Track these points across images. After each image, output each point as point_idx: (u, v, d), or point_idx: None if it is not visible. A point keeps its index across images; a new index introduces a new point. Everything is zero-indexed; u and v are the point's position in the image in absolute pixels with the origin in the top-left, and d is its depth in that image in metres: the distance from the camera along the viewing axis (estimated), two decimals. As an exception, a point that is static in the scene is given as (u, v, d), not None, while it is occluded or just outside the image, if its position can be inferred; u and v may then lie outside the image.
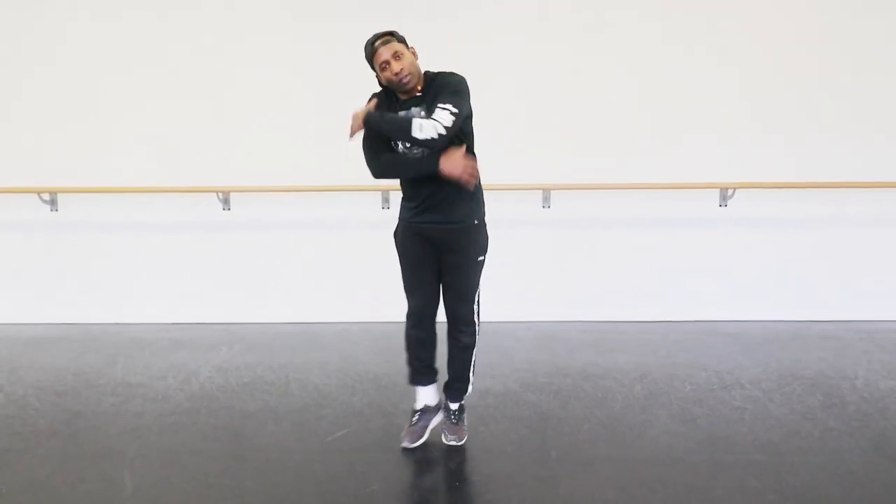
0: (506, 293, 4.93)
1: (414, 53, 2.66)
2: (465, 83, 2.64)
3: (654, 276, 4.94)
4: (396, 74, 2.55)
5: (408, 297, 2.88)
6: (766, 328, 4.73)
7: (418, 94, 2.64)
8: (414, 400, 3.04)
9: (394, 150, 2.69)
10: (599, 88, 4.77)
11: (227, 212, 4.89)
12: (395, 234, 2.87)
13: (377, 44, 2.58)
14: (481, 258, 2.83)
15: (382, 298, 4.57)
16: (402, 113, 2.63)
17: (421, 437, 2.94)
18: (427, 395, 3.00)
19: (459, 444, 2.93)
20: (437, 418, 3.02)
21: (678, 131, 4.78)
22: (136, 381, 3.78)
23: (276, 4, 4.73)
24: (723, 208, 4.84)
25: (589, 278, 4.96)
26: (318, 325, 4.89)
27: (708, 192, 4.82)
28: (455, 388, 3.00)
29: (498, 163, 4.65)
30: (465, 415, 3.05)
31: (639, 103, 4.77)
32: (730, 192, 4.79)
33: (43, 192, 4.80)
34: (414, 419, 2.98)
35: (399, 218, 2.85)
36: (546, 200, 4.83)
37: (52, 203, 4.87)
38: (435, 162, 2.57)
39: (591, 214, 4.89)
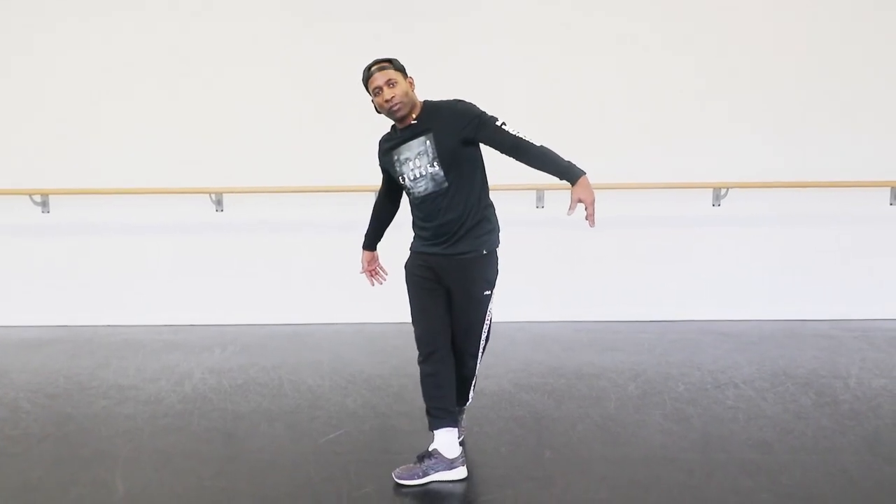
0: (502, 293, 4.91)
1: (411, 83, 2.62)
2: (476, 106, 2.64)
3: (648, 276, 4.95)
4: (387, 101, 2.53)
5: (415, 325, 2.73)
6: (760, 327, 4.74)
7: (413, 122, 2.59)
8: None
9: (399, 183, 2.72)
10: (593, 89, 4.78)
11: (219, 213, 4.87)
12: (406, 264, 2.79)
13: (374, 69, 2.56)
14: (487, 293, 2.70)
15: (375, 299, 4.55)
16: (408, 145, 2.60)
17: (416, 476, 2.62)
18: (438, 441, 2.67)
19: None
20: (447, 475, 2.64)
21: (672, 131, 4.79)
22: (128, 383, 3.76)
23: (268, 6, 4.72)
24: (716, 208, 4.85)
25: (583, 278, 4.96)
26: (311, 326, 4.88)
27: (701, 192, 4.84)
28: (458, 398, 2.89)
29: (491, 162, 4.65)
30: (464, 416, 3.02)
31: (632, 104, 4.78)
32: (723, 191, 4.80)
33: (34, 193, 4.78)
34: (415, 460, 2.69)
35: (410, 247, 2.79)
36: (540, 200, 4.84)
37: (44, 205, 4.84)
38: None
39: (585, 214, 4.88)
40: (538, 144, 2.55)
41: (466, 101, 2.65)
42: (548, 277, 4.97)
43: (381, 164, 2.78)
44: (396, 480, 2.61)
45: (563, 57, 4.76)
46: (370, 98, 2.62)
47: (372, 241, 2.98)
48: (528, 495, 2.53)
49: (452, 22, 4.72)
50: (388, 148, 2.68)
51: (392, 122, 2.67)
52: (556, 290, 4.98)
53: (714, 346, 4.32)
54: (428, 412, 2.71)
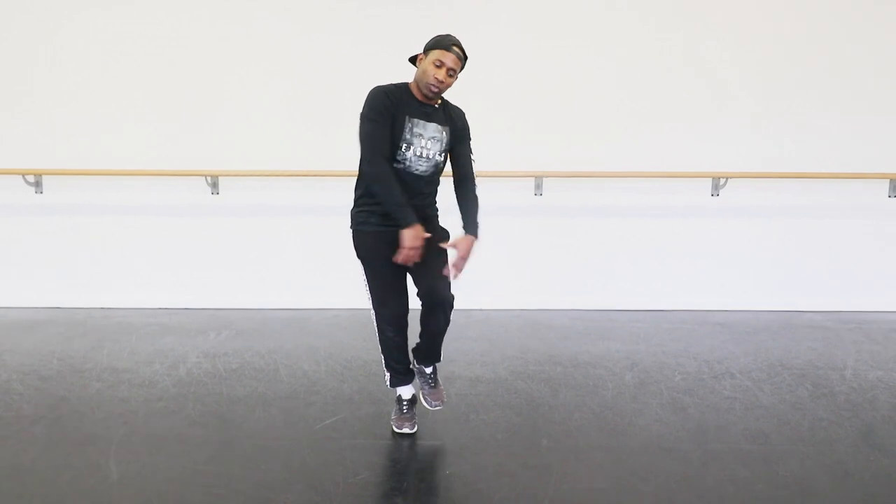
0: (497, 281, 4.91)
1: (455, 80, 2.71)
2: None
3: (645, 265, 4.94)
4: (439, 82, 2.60)
5: (386, 306, 2.82)
6: (757, 318, 4.74)
7: (436, 106, 2.73)
8: (395, 392, 3.06)
9: (395, 157, 2.64)
10: (592, 78, 4.75)
11: (215, 196, 4.83)
12: (361, 246, 2.77)
13: (454, 48, 2.62)
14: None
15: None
16: (425, 124, 2.67)
17: (415, 422, 2.97)
18: (411, 389, 3.04)
19: (443, 406, 3.00)
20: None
21: (671, 120, 4.77)
22: (122, 366, 3.73)
23: (266, -14, 4.66)
24: (715, 198, 4.84)
25: (580, 266, 4.95)
26: (307, 311, 4.86)
27: (700, 182, 4.82)
28: (432, 358, 2.96)
29: (490, 150, 4.62)
30: (439, 375, 3.13)
31: (632, 93, 4.75)
32: (722, 181, 4.78)
33: (28, 173, 4.73)
34: (405, 408, 2.99)
35: (360, 229, 2.75)
36: (538, 188, 4.81)
37: (37, 185, 4.79)
38: (405, 220, 2.58)
39: (583, 202, 4.87)
40: (476, 192, 2.82)
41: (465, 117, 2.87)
42: (544, 265, 4.95)
43: (382, 111, 2.59)
44: (411, 432, 2.90)
45: (562, 46, 4.72)
46: (417, 56, 2.69)
47: (412, 211, 2.62)
48: (525, 484, 2.52)
49: (447, 11, 4.67)
50: (407, 109, 2.64)
51: (395, 83, 2.70)
52: (553, 278, 4.97)
53: (710, 337, 4.32)
54: (398, 372, 2.95)
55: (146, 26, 4.67)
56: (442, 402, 2.99)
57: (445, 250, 2.79)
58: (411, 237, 2.56)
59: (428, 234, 2.65)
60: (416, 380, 3.02)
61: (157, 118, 4.74)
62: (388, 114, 2.61)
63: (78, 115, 4.73)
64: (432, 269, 2.72)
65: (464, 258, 2.69)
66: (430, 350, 2.93)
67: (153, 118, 4.74)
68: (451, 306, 2.77)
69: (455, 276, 2.70)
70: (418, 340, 2.93)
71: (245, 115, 4.74)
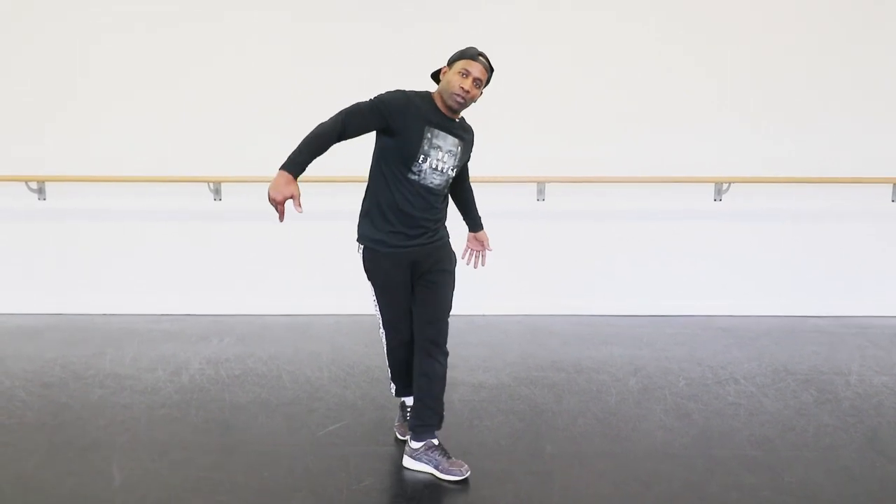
0: (499, 286, 4.90)
1: (479, 95, 2.63)
2: None
3: (647, 270, 4.93)
4: (465, 91, 2.52)
5: (398, 331, 2.74)
6: (760, 323, 4.73)
7: (457, 120, 2.67)
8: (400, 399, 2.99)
9: (411, 169, 2.58)
10: (595, 83, 4.75)
11: (218, 202, 4.83)
12: (376, 269, 2.68)
13: (480, 58, 2.58)
14: (455, 269, 2.80)
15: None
16: (445, 136, 2.60)
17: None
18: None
19: (469, 472, 2.64)
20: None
21: (673, 126, 4.76)
22: (124, 372, 3.73)
23: (266, 0, 4.68)
24: (717, 203, 4.84)
25: (583, 271, 4.94)
26: (309, 316, 4.85)
27: (703, 187, 4.82)
28: (435, 418, 2.72)
29: (493, 155, 4.62)
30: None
31: (634, 98, 4.75)
32: (724, 186, 4.78)
33: (31, 180, 4.73)
34: (408, 415, 2.87)
35: (376, 248, 2.65)
36: (541, 193, 4.81)
37: (40, 191, 4.80)
38: (290, 163, 2.68)
39: (586, 208, 4.87)
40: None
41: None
42: (547, 270, 4.95)
43: (390, 113, 2.52)
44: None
45: (558, 52, 4.73)
46: (440, 69, 2.64)
47: (302, 170, 2.63)
48: (529, 490, 2.52)
49: (451, 21, 4.68)
50: (427, 119, 2.55)
51: (419, 91, 2.63)
52: (555, 283, 4.96)
53: (713, 342, 4.31)
54: (406, 385, 2.85)
55: (148, 32, 4.68)
56: (467, 467, 2.63)
57: (453, 274, 2.75)
58: (280, 183, 2.54)
59: (299, 204, 2.57)
60: (423, 463, 2.67)
61: (160, 124, 4.75)
62: (403, 117, 2.52)
63: (80, 121, 4.74)
64: (441, 305, 2.70)
65: (485, 247, 3.03)
66: (434, 409, 2.70)
67: (156, 124, 4.75)
68: (445, 346, 2.70)
69: (483, 264, 3.06)
70: (414, 409, 2.73)
71: (247, 121, 4.75)
